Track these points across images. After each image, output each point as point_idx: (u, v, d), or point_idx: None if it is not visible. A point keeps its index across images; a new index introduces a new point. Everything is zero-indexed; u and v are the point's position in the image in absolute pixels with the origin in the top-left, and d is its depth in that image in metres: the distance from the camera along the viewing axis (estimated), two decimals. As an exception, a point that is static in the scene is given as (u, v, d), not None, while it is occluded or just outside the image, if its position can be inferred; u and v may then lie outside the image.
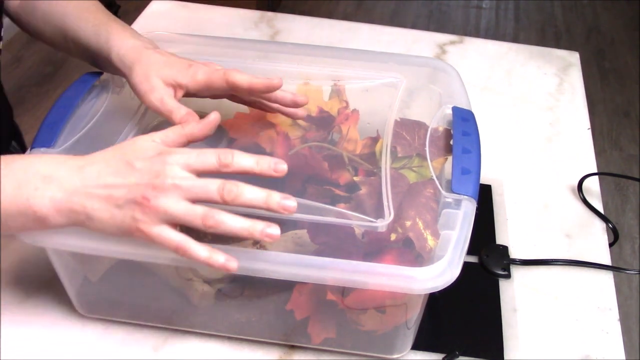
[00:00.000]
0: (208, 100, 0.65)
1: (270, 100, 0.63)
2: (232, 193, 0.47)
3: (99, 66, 0.66)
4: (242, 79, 0.59)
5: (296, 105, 0.63)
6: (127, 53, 0.61)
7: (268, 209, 0.48)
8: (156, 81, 0.59)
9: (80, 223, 0.49)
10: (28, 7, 0.69)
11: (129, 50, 0.61)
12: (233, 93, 0.62)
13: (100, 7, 0.67)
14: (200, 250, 0.48)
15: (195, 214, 0.47)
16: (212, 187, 0.48)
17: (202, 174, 0.49)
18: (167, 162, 0.48)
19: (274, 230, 0.48)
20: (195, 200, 0.48)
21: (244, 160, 0.49)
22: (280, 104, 0.63)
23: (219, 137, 0.69)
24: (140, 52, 0.61)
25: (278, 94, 0.62)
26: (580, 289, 0.70)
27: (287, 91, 0.62)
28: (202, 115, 0.68)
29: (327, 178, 0.61)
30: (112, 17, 0.66)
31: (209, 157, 0.49)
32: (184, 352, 0.62)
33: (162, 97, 0.59)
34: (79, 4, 0.66)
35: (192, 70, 0.60)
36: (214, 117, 0.54)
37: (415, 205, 0.55)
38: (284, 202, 0.48)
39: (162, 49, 0.65)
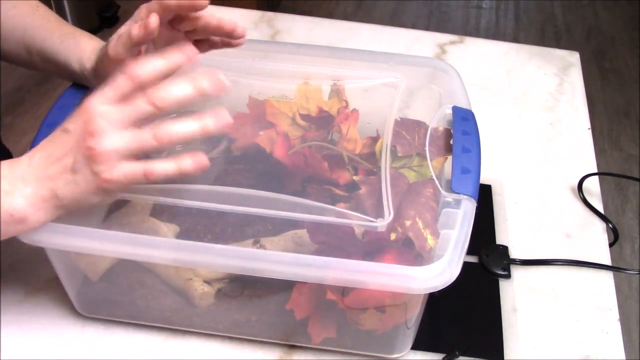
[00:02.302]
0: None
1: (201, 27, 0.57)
2: (159, 95, 0.46)
3: (65, 76, 0.64)
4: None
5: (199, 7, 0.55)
6: (93, 51, 0.59)
7: (201, 92, 0.47)
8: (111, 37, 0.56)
9: (60, 207, 0.49)
10: None
11: (95, 49, 0.60)
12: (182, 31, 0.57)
13: (63, 20, 0.65)
14: (167, 165, 0.47)
15: (143, 134, 0.46)
16: (139, 101, 0.46)
17: (124, 99, 0.47)
18: (89, 108, 0.47)
19: (223, 114, 0.47)
20: (135, 123, 0.47)
21: (152, 64, 0.47)
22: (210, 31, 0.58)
23: (219, 137, 0.69)
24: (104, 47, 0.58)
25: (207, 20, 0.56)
26: (580, 289, 0.70)
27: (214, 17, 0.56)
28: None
29: (327, 178, 0.61)
30: (77, 28, 0.64)
31: (119, 79, 0.47)
32: (184, 352, 0.62)
33: (115, 37, 0.54)
34: (39, 18, 0.64)
35: (137, 13, 0.55)
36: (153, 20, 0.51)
37: (415, 205, 0.55)
38: (214, 78, 0.47)
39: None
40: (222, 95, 0.47)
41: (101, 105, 0.47)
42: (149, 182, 0.47)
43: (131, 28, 0.52)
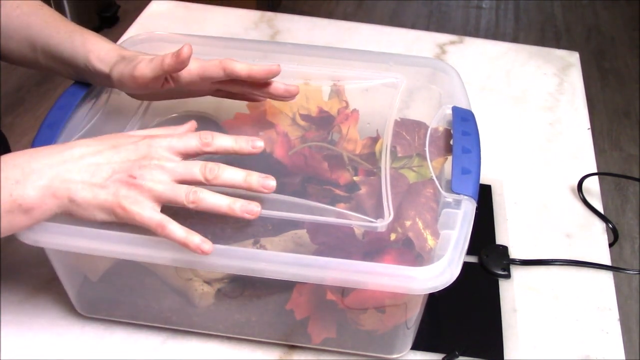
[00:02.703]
0: (208, 99, 0.65)
1: (262, 90, 0.63)
2: (213, 171, 0.51)
3: (69, 74, 0.64)
4: (242, 67, 0.58)
5: (289, 95, 0.63)
6: (108, 53, 0.60)
7: (249, 188, 0.51)
8: (142, 57, 0.58)
9: (64, 209, 0.49)
10: None
11: (110, 51, 0.60)
12: (224, 86, 0.62)
13: (67, 19, 0.66)
14: (178, 231, 0.50)
15: (179, 191, 0.49)
16: (195, 166, 0.51)
17: (185, 155, 0.52)
18: (151, 145, 0.51)
19: (254, 207, 0.51)
20: (179, 181, 0.50)
21: (222, 140, 0.52)
22: (273, 95, 0.63)
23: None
24: (121, 52, 0.60)
25: (271, 85, 0.62)
26: (580, 289, 0.70)
27: (279, 82, 0.62)
28: (202, 115, 0.68)
29: (327, 178, 0.61)
30: (82, 27, 0.64)
31: (191, 138, 0.52)
32: (184, 352, 0.62)
33: (149, 61, 0.57)
34: (44, 16, 0.64)
35: (181, 57, 0.58)
36: (191, 125, 0.57)
37: (415, 205, 0.55)
38: (264, 180, 0.51)
39: (162, 49, 0.65)
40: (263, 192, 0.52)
41: (164, 151, 0.51)
42: (155, 234, 0.50)
43: (165, 56, 0.56)
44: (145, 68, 0.57)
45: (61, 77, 0.65)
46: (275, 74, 0.60)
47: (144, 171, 0.49)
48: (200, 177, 0.50)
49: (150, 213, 0.49)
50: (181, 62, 0.56)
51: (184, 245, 0.50)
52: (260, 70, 0.59)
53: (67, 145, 0.50)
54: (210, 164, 0.51)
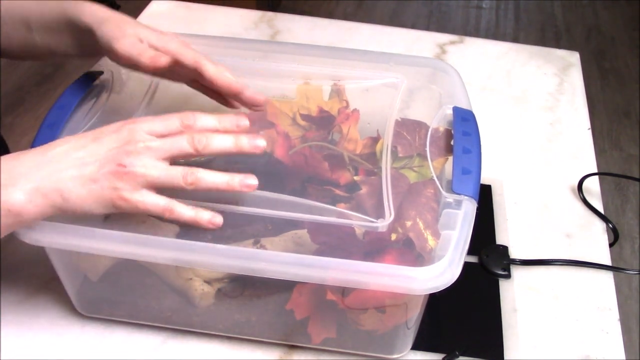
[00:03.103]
0: (209, 99, 0.65)
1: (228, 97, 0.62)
2: (202, 141, 0.50)
3: (66, 47, 0.63)
4: (209, 72, 0.58)
5: (256, 105, 0.61)
6: (100, 9, 0.59)
7: (240, 150, 0.51)
8: (130, 31, 0.58)
9: (57, 208, 0.48)
10: None
11: (101, 8, 0.59)
12: (196, 78, 0.61)
13: None
14: (186, 210, 0.49)
15: (175, 172, 0.49)
16: (182, 140, 0.49)
17: (167, 136, 0.50)
18: (133, 129, 0.50)
19: (252, 180, 0.50)
20: (170, 158, 0.49)
21: (206, 120, 0.51)
22: (239, 104, 0.63)
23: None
24: (113, 12, 0.59)
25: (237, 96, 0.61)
26: (580, 289, 0.70)
27: (247, 92, 0.60)
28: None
29: (327, 178, 0.61)
30: None
31: (172, 120, 0.51)
32: (184, 352, 0.62)
33: (134, 42, 0.57)
34: None
35: (166, 37, 0.59)
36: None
37: (416, 205, 0.55)
38: (254, 141, 0.51)
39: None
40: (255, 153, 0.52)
41: (145, 133, 0.50)
42: (164, 218, 0.50)
43: (144, 54, 0.56)
44: (122, 47, 0.57)
45: (60, 58, 0.65)
46: (235, 94, 0.59)
47: (132, 158, 0.48)
48: (189, 149, 0.49)
49: (153, 199, 0.49)
50: (156, 69, 0.56)
51: (195, 224, 0.49)
52: (224, 83, 0.58)
53: (49, 145, 0.50)
54: (197, 135, 0.50)
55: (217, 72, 0.58)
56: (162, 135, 0.50)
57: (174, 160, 0.51)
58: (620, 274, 0.74)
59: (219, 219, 0.50)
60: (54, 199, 0.48)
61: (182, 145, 0.49)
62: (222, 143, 0.50)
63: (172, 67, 0.58)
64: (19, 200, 0.47)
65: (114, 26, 0.58)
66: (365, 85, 0.69)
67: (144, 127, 0.50)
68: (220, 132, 0.51)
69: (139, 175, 0.48)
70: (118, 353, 0.62)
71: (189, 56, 0.58)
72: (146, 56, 0.56)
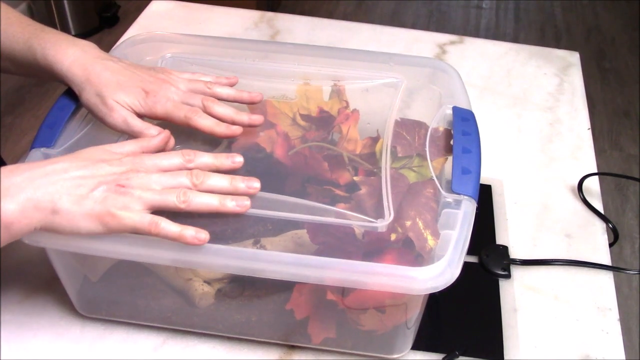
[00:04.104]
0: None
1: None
2: (200, 177, 0.52)
3: (45, 80, 0.64)
4: (205, 125, 0.60)
5: (252, 125, 0.64)
6: (71, 69, 0.59)
7: (235, 190, 0.53)
8: (113, 102, 0.59)
9: (47, 223, 0.48)
10: None
11: (72, 65, 0.59)
12: None
13: (24, 18, 0.64)
14: (172, 227, 0.50)
15: (168, 194, 0.50)
16: (181, 174, 0.52)
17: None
18: (136, 161, 0.52)
19: (244, 201, 0.52)
20: (167, 189, 0.51)
21: (204, 158, 0.54)
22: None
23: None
24: (85, 67, 0.59)
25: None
26: (580, 289, 0.70)
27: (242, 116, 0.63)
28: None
29: (327, 178, 0.61)
30: (40, 26, 0.62)
31: (174, 156, 0.53)
32: (184, 352, 0.62)
33: (125, 118, 0.59)
34: (2, 22, 0.62)
35: (150, 101, 0.60)
36: (166, 135, 0.58)
37: (415, 205, 0.55)
38: (249, 182, 0.53)
39: (162, 49, 0.65)
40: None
41: (149, 167, 0.52)
42: (149, 234, 0.50)
43: (149, 142, 0.57)
44: (113, 125, 0.59)
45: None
46: (236, 135, 0.61)
47: (132, 181, 0.50)
48: (188, 183, 0.51)
49: (140, 215, 0.49)
50: (163, 144, 0.58)
51: (179, 240, 0.50)
52: (222, 133, 0.61)
53: (49, 160, 0.50)
54: (197, 170, 0.52)
55: (211, 126, 0.60)
56: (165, 170, 0.52)
57: None
58: (620, 274, 0.74)
59: (203, 235, 0.50)
60: (46, 213, 0.48)
61: (182, 179, 0.52)
62: (218, 181, 0.53)
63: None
64: (10, 211, 0.47)
65: (96, 99, 0.59)
66: (365, 85, 0.69)
67: (149, 162, 0.52)
68: (218, 168, 0.55)
69: (135, 195, 0.49)
70: (118, 353, 0.62)
71: (180, 115, 0.60)
72: (143, 133, 0.59)
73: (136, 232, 0.50)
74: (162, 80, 0.62)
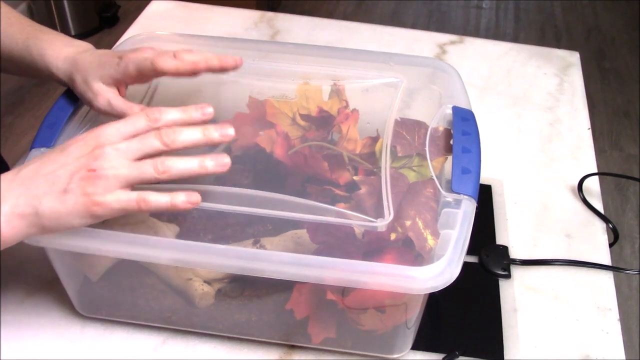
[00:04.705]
0: (208, 100, 0.64)
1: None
2: (170, 135, 0.49)
3: (43, 80, 0.64)
4: (169, 65, 0.57)
5: (230, 67, 0.60)
6: (64, 65, 0.59)
7: (210, 141, 0.50)
8: (97, 85, 0.58)
9: (37, 227, 0.48)
10: None
11: (65, 61, 0.60)
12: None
13: (24, 19, 0.64)
14: (161, 197, 0.48)
15: (145, 167, 0.48)
16: (150, 137, 0.49)
17: (135, 136, 0.49)
18: (99, 135, 0.49)
19: (225, 159, 0.49)
20: (141, 158, 0.49)
21: (171, 113, 0.51)
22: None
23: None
24: (74, 59, 0.59)
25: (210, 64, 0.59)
26: (580, 289, 0.70)
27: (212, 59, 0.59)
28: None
29: (327, 178, 0.61)
30: (39, 27, 0.63)
31: (138, 119, 0.50)
32: (184, 352, 0.62)
33: (109, 100, 0.58)
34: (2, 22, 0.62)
35: (123, 64, 0.58)
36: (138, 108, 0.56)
37: (415, 205, 0.55)
38: (222, 130, 0.50)
39: (162, 48, 0.65)
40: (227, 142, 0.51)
41: (112, 136, 0.49)
42: (140, 212, 0.48)
43: (125, 110, 0.56)
44: (105, 106, 0.58)
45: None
46: (202, 70, 0.58)
47: (100, 161, 0.47)
48: (159, 145, 0.49)
49: (125, 195, 0.48)
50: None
51: (173, 209, 0.48)
52: (185, 69, 0.57)
53: (20, 167, 0.49)
54: (164, 129, 0.49)
55: (174, 65, 0.57)
56: (131, 136, 0.49)
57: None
58: (620, 274, 0.74)
59: (195, 197, 0.48)
60: (31, 219, 0.47)
61: (151, 142, 0.49)
62: (190, 136, 0.49)
63: (139, 76, 0.59)
64: None
65: (83, 85, 0.59)
66: (365, 85, 0.69)
67: (111, 132, 0.49)
68: (186, 121, 0.51)
69: (110, 176, 0.47)
70: (118, 353, 0.62)
71: (147, 65, 0.58)
72: (126, 113, 0.58)
73: (126, 213, 0.48)
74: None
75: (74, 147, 0.49)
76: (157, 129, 0.50)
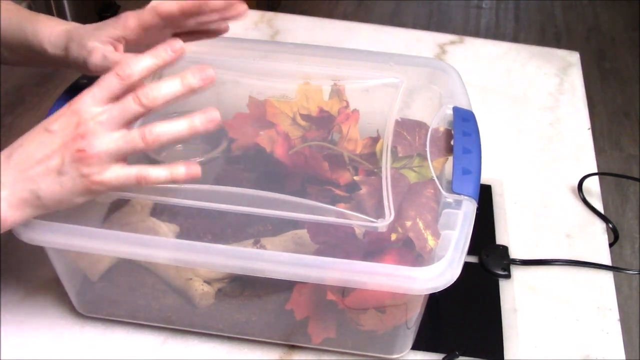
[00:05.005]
0: (207, 100, 0.64)
1: (206, 17, 0.59)
2: (149, 95, 0.47)
3: (37, 64, 0.63)
4: (171, 5, 0.55)
5: (234, 10, 0.58)
6: (58, 37, 0.58)
7: (190, 88, 0.48)
8: (92, 43, 0.56)
9: (39, 207, 0.48)
10: None
11: (60, 34, 0.58)
12: (171, 28, 0.59)
13: (18, 6, 0.63)
14: (160, 172, 0.48)
15: (133, 137, 0.47)
16: (128, 102, 0.47)
17: (114, 100, 0.48)
18: (78, 109, 0.48)
19: (214, 114, 0.48)
20: (126, 124, 0.48)
21: (141, 62, 0.48)
22: (218, 16, 0.59)
23: (219, 137, 0.69)
24: (70, 32, 0.58)
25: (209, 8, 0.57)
26: (580, 289, 0.70)
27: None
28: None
29: (327, 178, 0.61)
30: (34, 12, 0.62)
31: (109, 79, 0.48)
32: (184, 352, 0.62)
33: (104, 54, 0.56)
34: None
35: (122, 19, 0.57)
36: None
37: (416, 205, 0.55)
38: (201, 73, 0.47)
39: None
40: (209, 88, 0.48)
41: (91, 107, 0.47)
42: (140, 186, 0.48)
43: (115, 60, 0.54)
44: (99, 60, 0.56)
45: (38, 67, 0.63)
46: (208, 7, 0.56)
47: (88, 139, 0.46)
48: (138, 108, 0.47)
49: (124, 171, 0.47)
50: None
51: (173, 182, 0.48)
52: (191, 4, 0.55)
53: (9, 149, 0.49)
54: (142, 90, 0.47)
55: (178, 2, 0.55)
56: (109, 100, 0.48)
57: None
58: (620, 274, 0.74)
59: (195, 169, 0.48)
60: (32, 201, 0.47)
61: (131, 106, 0.47)
62: (169, 89, 0.47)
63: (141, 35, 0.57)
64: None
65: (77, 48, 0.57)
66: (365, 85, 0.69)
67: (88, 101, 0.48)
68: (159, 65, 0.48)
69: (101, 154, 0.47)
70: (118, 353, 0.62)
71: (149, 14, 0.56)
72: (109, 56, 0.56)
73: (127, 188, 0.48)
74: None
75: (57, 124, 0.48)
76: (134, 87, 0.48)
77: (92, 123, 0.47)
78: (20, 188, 0.47)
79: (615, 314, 0.68)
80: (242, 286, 0.61)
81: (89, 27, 0.58)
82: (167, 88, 0.47)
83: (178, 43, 0.49)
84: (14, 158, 0.48)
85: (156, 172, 0.48)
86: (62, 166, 0.47)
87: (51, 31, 0.59)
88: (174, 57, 0.49)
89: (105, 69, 0.54)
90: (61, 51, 0.58)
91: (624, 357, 0.64)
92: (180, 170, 0.48)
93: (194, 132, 0.48)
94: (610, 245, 0.76)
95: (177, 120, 0.47)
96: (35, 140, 0.48)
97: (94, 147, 0.46)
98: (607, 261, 0.73)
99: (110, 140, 0.47)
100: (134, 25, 0.56)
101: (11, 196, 0.47)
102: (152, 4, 0.56)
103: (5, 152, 0.49)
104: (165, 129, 0.47)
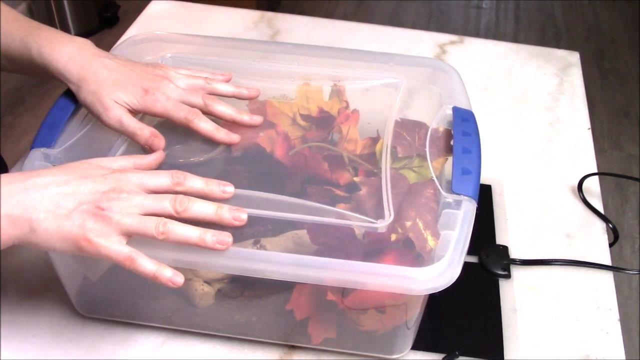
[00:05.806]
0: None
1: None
2: (183, 204, 0.49)
3: (42, 78, 0.63)
4: (205, 129, 0.60)
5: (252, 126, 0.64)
6: (68, 67, 0.59)
7: (220, 221, 0.50)
8: (109, 101, 0.58)
9: (22, 239, 0.48)
10: None
11: (69, 63, 0.59)
12: None
13: (21, 17, 0.64)
14: (148, 264, 0.48)
15: (148, 223, 0.48)
16: (164, 199, 0.49)
17: (155, 193, 0.51)
18: (121, 179, 0.50)
19: (225, 237, 0.49)
20: (148, 214, 0.49)
21: (194, 182, 0.52)
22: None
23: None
24: (82, 66, 0.59)
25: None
26: (580, 289, 0.70)
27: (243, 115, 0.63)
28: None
29: (327, 178, 0.61)
30: (36, 24, 0.62)
31: (163, 177, 0.51)
32: (184, 352, 0.62)
33: (121, 118, 0.58)
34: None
35: (149, 99, 0.59)
36: (159, 155, 0.57)
37: (416, 206, 0.55)
38: (236, 213, 0.50)
39: (162, 49, 0.65)
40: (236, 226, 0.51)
41: (135, 186, 0.50)
42: (125, 268, 0.49)
43: (142, 160, 0.55)
44: (109, 123, 0.59)
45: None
46: (231, 143, 0.62)
47: (112, 203, 0.48)
48: (170, 210, 0.49)
49: (117, 246, 0.48)
50: (156, 164, 0.57)
51: (154, 279, 0.48)
52: (221, 140, 0.61)
53: (32, 173, 0.49)
54: (181, 197, 0.50)
55: (210, 130, 0.60)
56: (150, 190, 0.50)
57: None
58: (620, 274, 0.74)
59: (179, 279, 0.49)
60: (22, 229, 0.47)
61: (164, 205, 0.49)
62: (202, 209, 0.50)
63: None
64: None
65: (92, 97, 0.59)
66: (365, 85, 0.69)
67: (133, 179, 0.50)
68: (207, 195, 0.52)
69: (113, 221, 0.47)
70: (118, 353, 0.62)
71: (180, 116, 0.60)
72: (141, 139, 0.58)
73: (109, 261, 0.48)
74: (161, 77, 0.61)
75: (93, 179, 0.49)
76: (176, 192, 0.51)
77: (125, 195, 0.49)
78: (20, 212, 0.47)
79: (615, 314, 0.68)
80: (242, 286, 0.61)
81: (108, 75, 0.59)
82: (201, 208, 0.50)
83: (230, 188, 0.53)
84: (29, 183, 0.48)
85: (143, 263, 0.48)
86: (72, 211, 0.47)
87: (58, 57, 0.59)
88: (220, 197, 0.53)
89: (118, 130, 0.59)
90: (72, 85, 0.60)
91: (624, 357, 0.64)
92: (166, 273, 0.49)
93: (202, 245, 0.49)
94: (610, 245, 0.76)
95: (192, 228, 0.49)
96: (62, 180, 0.48)
97: (112, 211, 0.48)
98: (607, 261, 0.73)
99: (129, 216, 0.48)
100: (160, 115, 0.60)
101: (6, 217, 0.46)
102: (186, 115, 0.60)
103: (21, 173, 0.49)
104: (178, 231, 0.49)
